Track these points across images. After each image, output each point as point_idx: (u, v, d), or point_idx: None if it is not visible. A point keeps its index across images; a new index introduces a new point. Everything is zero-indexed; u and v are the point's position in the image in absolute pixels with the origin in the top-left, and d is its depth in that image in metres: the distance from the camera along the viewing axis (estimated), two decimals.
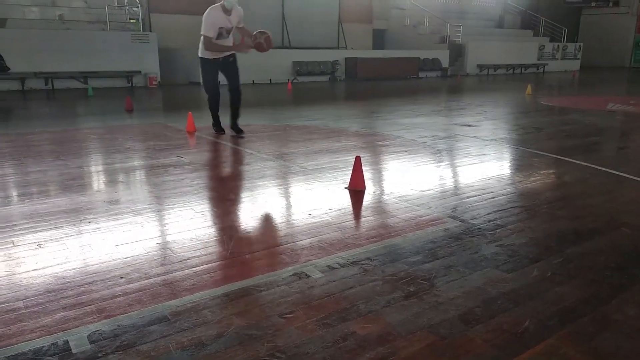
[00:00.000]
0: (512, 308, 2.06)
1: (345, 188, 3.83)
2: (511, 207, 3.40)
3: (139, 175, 4.37)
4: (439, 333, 1.88)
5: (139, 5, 14.41)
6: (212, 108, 6.23)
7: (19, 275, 2.33)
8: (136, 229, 2.95)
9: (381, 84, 15.67)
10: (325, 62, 16.92)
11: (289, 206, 3.54)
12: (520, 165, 4.83)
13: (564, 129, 7.02)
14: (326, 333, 1.87)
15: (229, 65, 6.01)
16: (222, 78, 6.12)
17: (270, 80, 15.66)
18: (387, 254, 2.61)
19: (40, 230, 2.91)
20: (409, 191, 3.77)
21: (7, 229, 2.93)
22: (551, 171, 4.56)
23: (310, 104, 10.70)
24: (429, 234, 2.89)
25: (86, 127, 7.11)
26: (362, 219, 3.23)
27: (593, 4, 28.83)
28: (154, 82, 13.90)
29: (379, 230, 2.97)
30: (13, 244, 2.71)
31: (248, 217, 3.30)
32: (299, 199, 3.70)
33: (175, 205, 3.43)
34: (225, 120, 6.26)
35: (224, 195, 3.86)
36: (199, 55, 5.96)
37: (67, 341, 1.81)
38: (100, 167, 4.67)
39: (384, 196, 3.67)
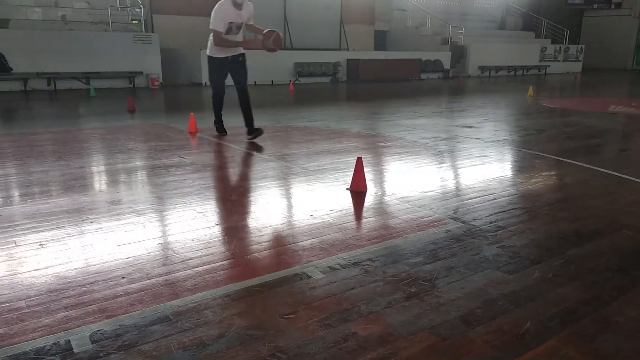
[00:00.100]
0: (513, 309, 2.06)
1: (347, 189, 3.83)
2: (512, 209, 3.40)
3: (141, 176, 4.38)
4: (440, 334, 1.88)
5: (141, 6, 14.45)
6: (215, 106, 6.14)
7: (21, 275, 2.34)
8: (138, 229, 2.96)
9: (383, 85, 15.68)
10: (327, 63, 16.93)
11: (290, 207, 3.54)
12: (522, 166, 4.83)
13: (566, 131, 7.01)
14: (327, 334, 1.88)
15: (238, 66, 5.85)
16: (228, 79, 5.98)
17: (272, 81, 15.68)
18: (388, 255, 2.61)
19: (43, 230, 2.91)
20: (411, 192, 3.77)
21: (10, 229, 2.94)
22: (552, 173, 4.55)
23: (312, 105, 10.71)
24: (430, 235, 2.89)
25: (88, 127, 7.13)
26: (364, 220, 3.23)
27: (595, 5, 28.80)
28: (156, 83, 13.92)
29: (380, 231, 2.97)
30: (15, 243, 2.71)
31: (249, 217, 3.30)
32: (301, 199, 3.71)
33: (177, 206, 3.43)
34: (230, 121, 6.27)
35: (226, 196, 3.86)
36: (208, 53, 5.82)
37: (69, 341, 1.82)
38: (102, 168, 4.68)
39: (385, 197, 3.68)
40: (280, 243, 2.80)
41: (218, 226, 3.06)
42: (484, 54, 21.29)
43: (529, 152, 5.41)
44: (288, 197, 3.84)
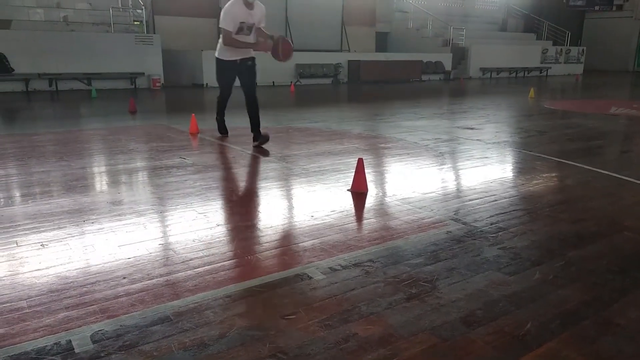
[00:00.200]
0: (513, 310, 2.06)
1: (348, 190, 3.84)
2: (513, 210, 3.40)
3: (142, 177, 4.39)
4: (440, 335, 1.88)
5: (143, 7, 14.46)
6: (219, 105, 6.05)
7: (22, 275, 2.34)
8: (139, 230, 2.97)
9: (384, 86, 15.68)
10: (328, 64, 16.92)
11: (291, 208, 3.55)
12: (523, 168, 4.83)
13: (567, 133, 7.01)
14: (328, 334, 1.88)
15: (248, 69, 5.61)
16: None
17: (274, 82, 15.68)
18: (389, 256, 2.61)
19: (44, 231, 2.92)
20: (411, 194, 3.77)
21: (11, 229, 2.94)
22: (553, 174, 4.55)
23: (313, 107, 10.71)
24: (431, 237, 2.89)
25: (90, 128, 7.14)
26: (364, 221, 3.23)
27: (596, 7, 28.80)
28: (158, 84, 13.93)
29: (381, 233, 2.97)
30: (16, 244, 2.72)
31: (250, 218, 3.30)
32: (301, 200, 3.71)
33: (178, 207, 3.44)
34: (231, 122, 6.28)
35: (227, 197, 3.87)
36: (216, 55, 5.62)
37: (70, 341, 1.82)
38: (103, 168, 4.68)
39: (386, 198, 3.68)
40: (281, 244, 2.80)
41: (219, 227, 3.07)
42: (485, 55, 21.28)
43: (530, 153, 5.41)
44: (289, 198, 3.84)
